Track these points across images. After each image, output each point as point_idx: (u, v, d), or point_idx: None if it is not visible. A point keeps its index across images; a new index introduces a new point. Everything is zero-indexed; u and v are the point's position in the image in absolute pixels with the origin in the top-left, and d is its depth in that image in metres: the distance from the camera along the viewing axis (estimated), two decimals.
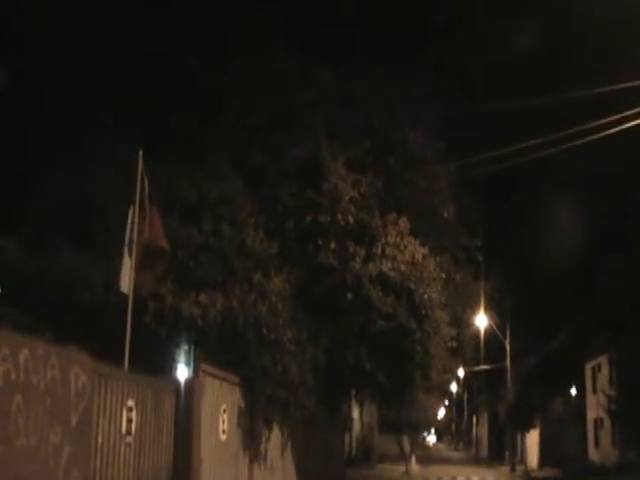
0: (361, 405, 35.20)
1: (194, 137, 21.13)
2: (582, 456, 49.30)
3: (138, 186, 13.90)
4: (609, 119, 21.98)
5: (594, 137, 22.53)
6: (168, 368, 14.36)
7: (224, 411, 15.35)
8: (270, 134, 22.52)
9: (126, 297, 13.35)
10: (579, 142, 23.06)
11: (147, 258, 13.95)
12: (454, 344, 25.59)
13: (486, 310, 50.29)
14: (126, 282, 13.48)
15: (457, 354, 29.92)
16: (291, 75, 23.46)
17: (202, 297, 16.80)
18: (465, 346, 31.58)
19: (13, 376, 7.89)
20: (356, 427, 44.37)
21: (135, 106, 20.76)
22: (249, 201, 20.11)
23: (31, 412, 8.18)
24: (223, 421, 15.26)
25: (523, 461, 55.35)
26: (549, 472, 48.20)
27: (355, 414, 43.40)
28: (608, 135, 22.20)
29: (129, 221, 13.79)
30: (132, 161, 14.23)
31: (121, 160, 15.68)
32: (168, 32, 22.46)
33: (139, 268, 13.81)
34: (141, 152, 14.15)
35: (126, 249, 13.57)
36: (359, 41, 27.80)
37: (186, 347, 15.71)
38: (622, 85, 21.39)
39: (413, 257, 22.93)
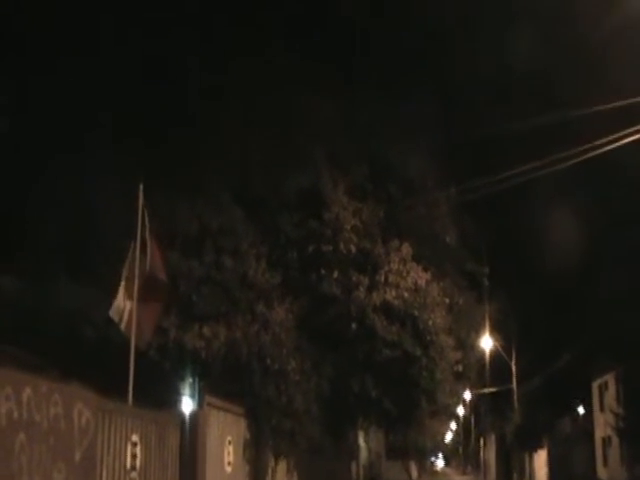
0: (366, 432, 35.05)
1: (194, 168, 21.17)
2: (591, 475, 49.07)
3: (139, 221, 13.99)
4: (607, 139, 22.02)
5: (591, 155, 22.57)
6: (173, 401, 14.38)
7: (229, 443, 15.37)
8: (270, 164, 22.57)
9: (128, 332, 13.41)
10: (577, 160, 23.09)
11: (148, 292, 13.97)
12: (459, 368, 25.55)
13: (491, 332, 50.25)
14: (118, 310, 13.50)
15: (463, 377, 29.86)
16: (290, 105, 23.53)
17: (205, 329, 16.88)
18: (470, 369, 31.52)
19: (16, 415, 7.96)
20: (363, 454, 44.14)
21: (134, 137, 20.83)
22: (250, 232, 20.16)
23: (34, 450, 8.24)
24: (228, 453, 15.28)
25: None
26: None
27: (361, 441, 43.23)
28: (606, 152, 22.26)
29: (129, 255, 13.85)
30: (132, 193, 14.34)
31: (121, 192, 15.72)
32: (169, 54, 22.58)
33: (140, 302, 13.84)
34: (141, 186, 14.27)
35: (123, 282, 13.61)
36: (357, 69, 27.96)
37: (190, 380, 15.73)
38: (618, 103, 21.47)
39: (416, 283, 22.98)
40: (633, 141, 21.51)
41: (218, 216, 19.54)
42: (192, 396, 14.89)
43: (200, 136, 21.71)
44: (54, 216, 18.74)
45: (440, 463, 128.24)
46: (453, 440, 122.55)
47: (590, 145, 22.22)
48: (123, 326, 13.41)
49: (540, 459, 56.88)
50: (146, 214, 14.14)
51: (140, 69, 21.73)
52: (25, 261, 18.24)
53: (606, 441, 48.15)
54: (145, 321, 13.86)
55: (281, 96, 23.24)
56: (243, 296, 18.67)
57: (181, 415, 13.44)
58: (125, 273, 13.72)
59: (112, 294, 14.45)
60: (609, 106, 21.45)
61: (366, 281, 22.33)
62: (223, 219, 19.58)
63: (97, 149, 20.12)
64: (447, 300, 24.43)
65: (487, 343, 52.79)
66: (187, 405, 14.40)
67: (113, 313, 13.44)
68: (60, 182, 19.41)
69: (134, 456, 10.98)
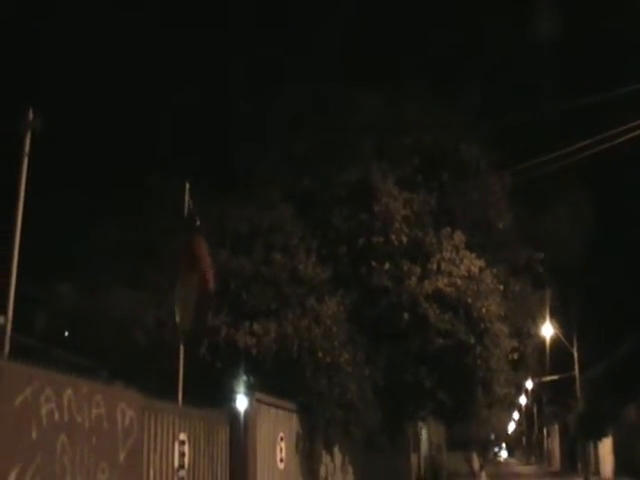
0: (427, 424, 34.78)
1: (243, 168, 21.21)
2: None
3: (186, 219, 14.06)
4: None
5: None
6: (226, 400, 14.32)
7: (281, 439, 15.29)
8: (319, 160, 22.46)
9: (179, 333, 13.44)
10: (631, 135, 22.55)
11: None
12: (515, 356, 25.11)
13: (551, 319, 49.56)
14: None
15: (520, 366, 29.39)
16: (338, 100, 23.41)
17: (256, 326, 16.86)
18: (528, 357, 31.00)
19: (57, 416, 7.96)
20: (424, 446, 43.87)
21: (184, 142, 20.97)
22: (300, 227, 20.13)
23: (77, 450, 8.24)
24: (281, 449, 15.20)
25: (597, 471, 54.21)
26: None
27: (423, 434, 42.97)
28: None
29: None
30: (183, 198, 14.42)
31: (172, 197, 15.75)
32: (217, 63, 22.66)
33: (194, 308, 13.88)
34: (187, 186, 14.29)
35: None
36: (404, 60, 27.76)
37: (243, 377, 15.66)
38: None
39: (469, 271, 22.62)
40: None
41: (268, 214, 19.53)
42: (244, 393, 14.83)
43: (248, 136, 21.77)
44: (107, 224, 18.95)
45: (503, 454, 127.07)
46: (516, 430, 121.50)
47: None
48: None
49: (605, 448, 55.92)
50: (194, 214, 14.20)
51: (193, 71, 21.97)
52: (82, 270, 18.47)
53: None
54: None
55: (327, 91, 23.18)
56: (293, 291, 18.63)
57: (231, 412, 13.39)
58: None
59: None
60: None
61: (418, 270, 22.06)
62: (273, 217, 19.56)
63: (151, 158, 20.33)
64: (501, 287, 23.97)
65: (547, 330, 52.09)
66: (240, 403, 14.34)
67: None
68: (112, 191, 19.64)
69: (182, 454, 10.95)
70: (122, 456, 9.17)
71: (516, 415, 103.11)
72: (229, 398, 14.59)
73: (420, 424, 32.82)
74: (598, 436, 53.13)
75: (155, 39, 22.11)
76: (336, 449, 18.53)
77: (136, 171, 20.16)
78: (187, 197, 14.55)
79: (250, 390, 14.68)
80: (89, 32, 21.63)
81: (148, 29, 22.08)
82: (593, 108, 24.43)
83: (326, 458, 17.93)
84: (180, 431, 10.99)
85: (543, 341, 52.69)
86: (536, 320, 31.26)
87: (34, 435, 7.62)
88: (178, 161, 19.77)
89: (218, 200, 18.87)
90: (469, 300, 21.94)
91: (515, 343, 24.73)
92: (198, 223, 14.41)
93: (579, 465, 58.51)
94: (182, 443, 10.99)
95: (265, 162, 21.72)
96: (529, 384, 69.20)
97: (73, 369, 9.66)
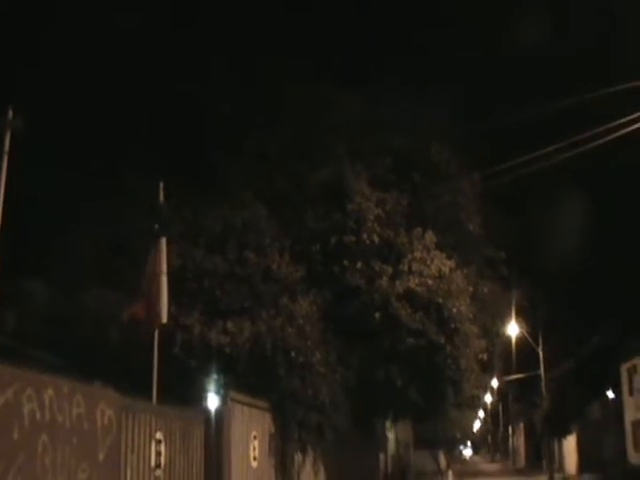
0: (394, 423, 34.91)
1: (217, 168, 21.25)
2: (621, 460, 48.74)
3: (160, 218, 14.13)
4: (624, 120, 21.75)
5: (608, 139, 22.31)
6: (199, 398, 14.39)
7: (254, 438, 15.38)
8: (292, 160, 22.56)
9: (153, 331, 13.49)
10: (594, 144, 22.83)
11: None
12: (484, 356, 25.37)
13: (517, 319, 49.99)
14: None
15: (488, 367, 29.70)
16: (310, 100, 23.50)
17: (230, 325, 16.92)
18: (496, 357, 31.36)
19: (38, 416, 8.01)
20: (391, 445, 44.06)
21: (158, 141, 20.96)
22: (274, 227, 20.23)
23: (58, 450, 8.29)
24: (254, 448, 15.29)
25: (561, 468, 54.83)
26: (588, 478, 47.71)
27: (390, 432, 43.16)
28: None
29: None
30: (157, 196, 14.47)
31: (146, 196, 15.80)
32: (189, 64, 22.66)
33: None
34: (162, 184, 14.36)
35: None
36: (377, 62, 27.93)
37: (216, 376, 15.73)
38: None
39: (440, 271, 22.83)
40: None
41: (242, 213, 19.60)
42: (217, 392, 14.90)
43: (220, 135, 21.80)
44: (80, 222, 18.92)
45: (468, 452, 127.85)
46: (481, 428, 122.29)
47: (615, 123, 21.94)
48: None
49: (570, 445, 56.67)
50: (163, 212, 14.29)
51: (163, 74, 21.93)
52: (53, 268, 18.43)
53: (636, 425, 47.89)
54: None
55: (300, 92, 23.26)
56: (267, 290, 18.72)
57: (206, 411, 13.46)
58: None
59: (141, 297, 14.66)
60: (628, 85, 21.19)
61: (389, 270, 22.23)
62: (246, 215, 19.62)
63: (123, 157, 20.31)
64: (471, 288, 24.22)
65: (513, 330, 52.53)
66: (213, 401, 14.41)
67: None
68: (86, 190, 19.60)
69: (159, 454, 11.01)
70: (101, 456, 9.22)
71: (481, 413, 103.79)
72: (203, 397, 14.67)
73: (387, 423, 32.96)
74: (563, 433, 53.80)
75: (127, 38, 22.04)
76: (308, 448, 18.63)
77: (110, 170, 20.13)
78: (161, 196, 14.62)
79: (224, 389, 14.75)
80: (64, 31, 21.53)
81: (121, 28, 22.00)
82: (565, 112, 24.73)
83: (298, 457, 18.03)
84: (157, 430, 11.05)
85: (509, 340, 53.18)
86: (504, 321, 31.54)
87: (16, 435, 7.66)
88: (152, 160, 19.78)
89: (192, 199, 18.92)
90: (440, 300, 22.14)
91: (484, 343, 24.99)
92: (159, 226, 14.43)
93: (544, 462, 59.12)
94: (159, 442, 11.04)
95: (238, 162, 21.76)
96: (494, 383, 69.71)
97: (48, 368, 9.70)
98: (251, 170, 21.76)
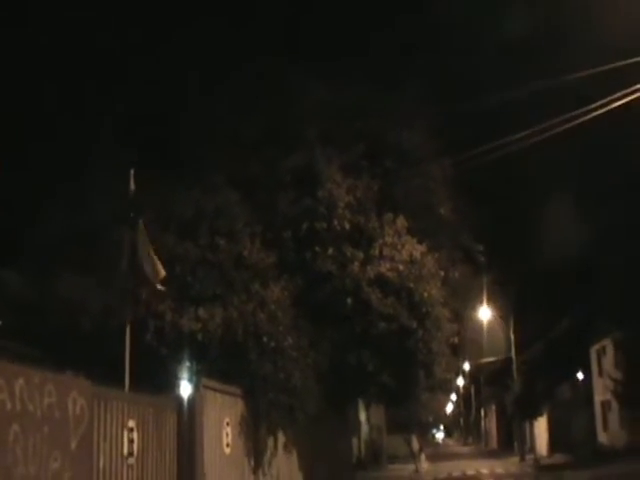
0: (367, 407, 35.15)
1: (188, 152, 21.18)
2: (591, 440, 49.29)
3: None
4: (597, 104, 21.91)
5: (580, 120, 22.48)
6: (171, 385, 14.40)
7: (227, 424, 15.44)
8: (264, 146, 22.52)
9: (125, 320, 13.52)
10: (566, 127, 23.00)
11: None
12: (456, 340, 25.53)
13: (488, 303, 50.33)
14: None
15: (460, 350, 29.91)
16: (281, 87, 23.46)
17: (201, 311, 16.93)
18: (467, 341, 31.61)
19: (9, 406, 8.00)
20: (364, 429, 44.31)
21: (129, 126, 20.85)
22: (246, 212, 20.22)
23: (29, 440, 8.30)
24: (227, 434, 15.36)
25: (533, 450, 55.29)
26: (559, 459, 48.21)
27: (362, 416, 43.38)
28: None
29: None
30: (127, 181, 14.44)
31: (117, 183, 15.74)
32: (160, 49, 22.55)
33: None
34: (132, 172, 14.34)
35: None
36: (346, 47, 27.90)
37: (188, 363, 15.75)
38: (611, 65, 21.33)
39: (411, 255, 22.93)
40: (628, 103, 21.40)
41: (213, 198, 19.55)
42: (190, 379, 14.92)
43: (192, 120, 21.73)
44: (52, 211, 18.83)
45: (441, 435, 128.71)
46: (454, 412, 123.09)
47: (584, 109, 22.11)
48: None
49: (540, 426, 57.17)
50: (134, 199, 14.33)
51: (141, 59, 21.83)
52: (26, 257, 18.34)
53: (605, 405, 48.45)
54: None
55: (272, 78, 23.21)
56: (238, 276, 18.74)
57: (178, 399, 13.49)
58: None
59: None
60: (603, 68, 21.32)
61: (361, 255, 22.30)
62: (218, 201, 19.59)
63: (94, 144, 20.21)
64: (442, 272, 24.34)
65: (485, 314, 52.87)
66: (185, 389, 14.43)
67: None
68: (57, 177, 19.50)
69: (131, 441, 11.03)
70: (73, 444, 9.23)
71: (454, 397, 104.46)
72: (175, 384, 14.68)
73: (360, 408, 33.16)
74: (534, 415, 54.19)
75: (94, 23, 21.91)
76: (280, 433, 18.71)
77: (79, 156, 20.02)
78: (132, 183, 14.58)
79: (196, 376, 14.78)
80: (32, 17, 21.39)
81: (91, 15, 21.87)
82: (533, 98, 24.88)
83: (270, 441, 18.10)
84: (129, 418, 11.07)
85: (481, 324, 53.54)
86: (475, 305, 31.76)
87: None
88: (122, 146, 19.70)
89: (163, 184, 18.84)
90: (411, 285, 22.25)
91: (455, 327, 25.15)
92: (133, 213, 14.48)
93: (515, 444, 59.64)
94: (131, 430, 11.06)
95: (210, 146, 21.71)
96: (466, 366, 70.19)
97: (19, 358, 9.68)
98: (223, 155, 21.72)
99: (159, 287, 14.73)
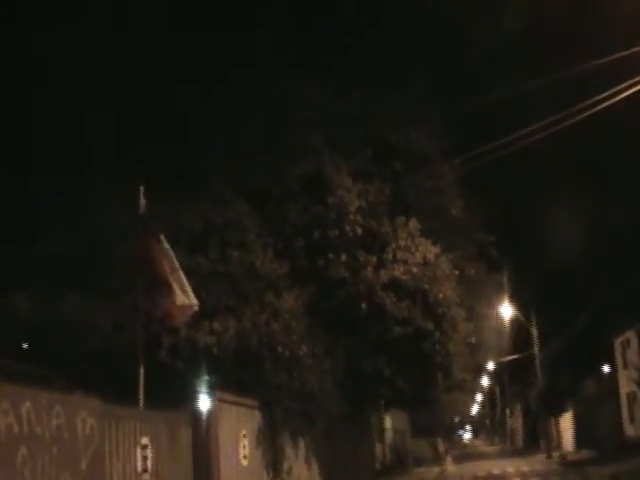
0: (384, 411, 35.05)
1: (195, 167, 21.16)
2: (618, 433, 48.95)
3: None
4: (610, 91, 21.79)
5: (590, 112, 22.36)
6: (188, 400, 14.37)
7: (244, 436, 15.42)
8: (269, 155, 22.48)
9: (137, 337, 13.53)
10: (574, 120, 22.89)
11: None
12: (473, 340, 25.44)
13: (509, 300, 50.16)
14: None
15: (478, 349, 29.84)
16: (283, 95, 23.42)
17: (215, 324, 16.89)
18: (486, 340, 31.53)
19: (16, 429, 8.02)
20: (388, 435, 44.19)
21: (133, 144, 20.86)
22: (256, 223, 20.15)
23: (37, 462, 8.31)
24: (244, 446, 15.32)
25: (559, 446, 54.94)
26: (585, 454, 47.85)
27: (387, 423, 43.30)
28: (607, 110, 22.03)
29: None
30: (134, 200, 14.42)
31: (123, 200, 15.74)
32: (162, 61, 22.54)
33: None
34: (142, 189, 14.32)
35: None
36: (350, 51, 27.85)
37: (204, 377, 15.74)
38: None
39: (425, 258, 22.89)
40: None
41: (222, 211, 19.52)
42: (205, 393, 14.91)
43: (198, 134, 21.72)
44: (59, 231, 18.84)
45: (467, 436, 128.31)
46: (480, 412, 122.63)
47: (591, 101, 21.98)
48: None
49: (566, 422, 56.82)
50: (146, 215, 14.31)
51: (139, 72, 21.82)
52: (33, 279, 18.36)
53: (631, 397, 48.14)
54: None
55: (275, 86, 23.18)
56: (251, 287, 18.68)
57: (193, 413, 13.46)
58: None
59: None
60: (610, 58, 21.21)
61: (374, 260, 22.26)
62: (228, 213, 19.56)
63: (98, 161, 20.23)
64: (457, 272, 24.26)
65: (506, 311, 52.67)
66: (202, 403, 14.41)
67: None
68: (64, 199, 19.53)
69: (145, 458, 11.01)
70: (84, 464, 9.23)
71: (479, 397, 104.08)
72: (191, 398, 14.66)
73: (384, 413, 33.09)
74: (558, 412, 53.88)
75: (94, 35, 21.93)
76: (300, 441, 18.69)
77: (83, 173, 20.05)
78: (141, 200, 14.56)
79: (212, 389, 14.76)
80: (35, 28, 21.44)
81: (89, 24, 21.90)
82: (539, 92, 24.74)
83: (289, 451, 18.06)
84: (142, 435, 11.06)
85: (502, 322, 53.32)
86: (492, 302, 31.64)
87: None
88: (127, 162, 19.71)
89: (170, 198, 18.82)
90: (425, 287, 22.21)
91: (472, 326, 25.07)
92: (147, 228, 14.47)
93: (541, 442, 59.26)
94: (144, 447, 11.05)
95: (214, 157, 21.69)
96: (490, 365, 69.86)
97: (30, 380, 9.69)
98: (229, 166, 21.70)
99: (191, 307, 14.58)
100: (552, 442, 55.64)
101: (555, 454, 51.43)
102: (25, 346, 16.89)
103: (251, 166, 22.04)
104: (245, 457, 15.36)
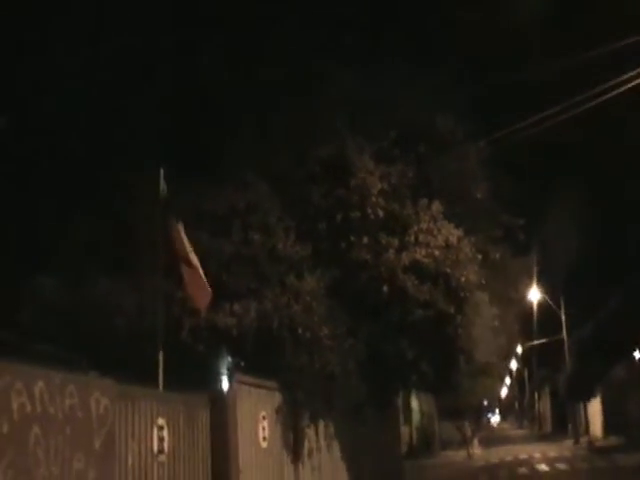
0: (408, 394, 35.03)
1: (217, 149, 21.18)
2: None
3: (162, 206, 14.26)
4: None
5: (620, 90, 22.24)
6: (207, 382, 14.45)
7: (263, 418, 15.46)
8: (293, 137, 22.46)
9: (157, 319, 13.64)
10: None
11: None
12: (496, 323, 25.30)
13: (537, 283, 49.99)
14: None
15: (503, 333, 29.69)
16: (309, 75, 23.36)
17: (236, 307, 16.93)
18: (510, 324, 31.38)
19: (29, 408, 8.08)
20: (415, 417, 44.22)
21: (155, 126, 20.88)
22: (278, 206, 20.15)
23: (50, 442, 8.39)
24: (263, 428, 15.37)
25: (587, 432, 54.76)
26: (613, 441, 47.64)
27: (414, 405, 43.32)
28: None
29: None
30: (157, 183, 14.53)
31: (145, 183, 15.80)
32: (186, 45, 22.50)
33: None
34: (162, 171, 14.40)
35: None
36: (375, 32, 27.70)
37: (224, 359, 15.82)
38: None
39: (447, 240, 22.75)
40: None
41: (245, 194, 19.55)
42: (226, 375, 14.98)
43: (220, 116, 21.70)
44: (84, 213, 18.95)
45: (496, 419, 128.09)
46: (508, 395, 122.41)
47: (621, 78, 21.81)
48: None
49: (594, 408, 56.54)
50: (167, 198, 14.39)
51: (160, 56, 21.81)
52: (60, 263, 18.49)
53: None
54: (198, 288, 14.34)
55: (299, 66, 23.11)
56: (273, 270, 18.71)
57: (211, 395, 13.54)
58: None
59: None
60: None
61: (396, 243, 22.15)
62: (250, 196, 19.58)
63: (122, 144, 20.28)
64: (480, 256, 24.11)
65: (534, 295, 52.48)
66: (221, 385, 14.49)
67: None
68: (90, 180, 19.62)
69: (161, 439, 11.06)
70: (97, 444, 9.30)
71: (508, 380, 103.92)
72: (211, 381, 14.74)
73: (412, 396, 33.06)
74: (587, 397, 53.68)
75: (117, 21, 21.92)
76: (321, 424, 18.71)
77: (107, 159, 20.10)
78: (162, 183, 14.62)
79: (231, 371, 14.82)
80: (56, 19, 21.45)
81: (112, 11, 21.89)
82: (567, 73, 24.56)
83: (310, 433, 18.09)
84: (158, 416, 11.12)
85: (530, 306, 53.10)
86: (517, 286, 31.43)
87: (5, 429, 7.75)
88: (150, 146, 19.75)
89: (193, 182, 18.88)
90: (448, 270, 22.08)
91: (496, 310, 24.94)
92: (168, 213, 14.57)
93: (569, 427, 59.06)
94: (161, 428, 11.11)
95: (238, 141, 21.69)
96: (519, 349, 69.74)
97: (54, 362, 9.77)
98: (251, 149, 21.70)
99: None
100: (580, 427, 55.48)
101: (583, 440, 51.29)
102: (49, 327, 17.00)
103: (274, 149, 22.05)
104: (265, 439, 15.41)
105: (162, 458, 11.09)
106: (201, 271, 14.52)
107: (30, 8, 20.26)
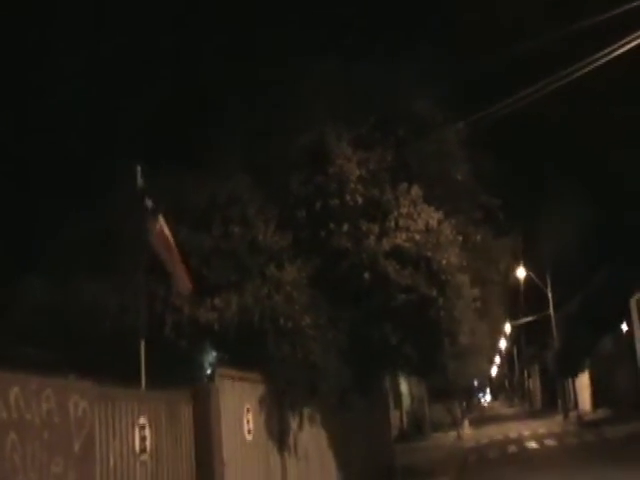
0: (397, 378, 35.06)
1: (196, 140, 21.13)
2: (636, 392, 48.92)
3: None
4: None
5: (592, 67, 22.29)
6: (191, 378, 14.46)
7: (248, 411, 15.48)
8: (272, 127, 22.40)
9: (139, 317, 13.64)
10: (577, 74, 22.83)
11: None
12: (478, 304, 25.31)
13: (524, 262, 50.15)
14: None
15: (489, 313, 29.78)
16: (287, 64, 23.28)
17: (217, 301, 16.95)
18: (495, 304, 31.46)
19: (4, 415, 8.05)
20: (405, 401, 44.38)
21: (135, 120, 20.82)
22: (258, 197, 20.12)
23: (27, 448, 8.37)
24: (248, 421, 15.41)
25: (576, 406, 55.10)
26: (602, 414, 48.00)
27: (404, 389, 43.43)
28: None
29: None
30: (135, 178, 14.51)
31: (128, 178, 15.74)
32: (166, 33, 22.41)
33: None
34: (139, 168, 14.36)
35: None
36: (350, 17, 27.63)
37: (206, 354, 15.85)
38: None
39: (427, 224, 22.75)
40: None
41: (226, 185, 19.52)
42: (208, 370, 15.02)
43: (199, 106, 21.65)
44: (65, 213, 18.91)
45: (487, 399, 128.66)
46: (499, 374, 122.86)
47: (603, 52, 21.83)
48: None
49: (583, 382, 56.90)
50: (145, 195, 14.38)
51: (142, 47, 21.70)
52: (47, 260, 18.45)
53: None
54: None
55: (277, 56, 23.05)
56: (253, 262, 18.71)
57: (193, 391, 13.54)
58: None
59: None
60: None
61: (376, 229, 22.14)
62: (230, 188, 19.56)
63: (101, 139, 20.21)
64: (460, 238, 24.14)
65: (520, 273, 52.66)
66: (204, 379, 14.51)
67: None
68: (73, 178, 19.57)
69: (143, 438, 11.06)
70: (77, 447, 9.30)
71: (498, 359, 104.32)
72: (194, 376, 14.76)
73: (401, 380, 33.14)
74: (575, 371, 53.97)
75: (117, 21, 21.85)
76: (306, 413, 18.75)
77: (85, 155, 20.04)
78: (139, 179, 14.58)
79: (213, 366, 14.84)
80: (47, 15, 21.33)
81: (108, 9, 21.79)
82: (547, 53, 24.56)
83: (294, 424, 18.13)
84: (140, 415, 11.12)
85: (517, 285, 53.27)
86: (499, 267, 31.43)
87: None
88: (130, 140, 19.70)
89: (175, 175, 18.81)
90: (428, 253, 22.08)
91: (477, 292, 24.98)
92: (151, 205, 14.56)
93: (559, 402, 59.39)
94: (142, 427, 11.11)
95: (218, 131, 21.62)
96: (507, 328, 70.04)
97: (35, 364, 9.75)
98: (232, 140, 21.63)
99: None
100: (570, 402, 55.82)
101: (572, 414, 51.61)
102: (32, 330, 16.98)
103: (253, 139, 21.98)
104: (250, 432, 15.45)
105: (144, 457, 11.10)
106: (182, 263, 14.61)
107: (30, 8, 20.21)
